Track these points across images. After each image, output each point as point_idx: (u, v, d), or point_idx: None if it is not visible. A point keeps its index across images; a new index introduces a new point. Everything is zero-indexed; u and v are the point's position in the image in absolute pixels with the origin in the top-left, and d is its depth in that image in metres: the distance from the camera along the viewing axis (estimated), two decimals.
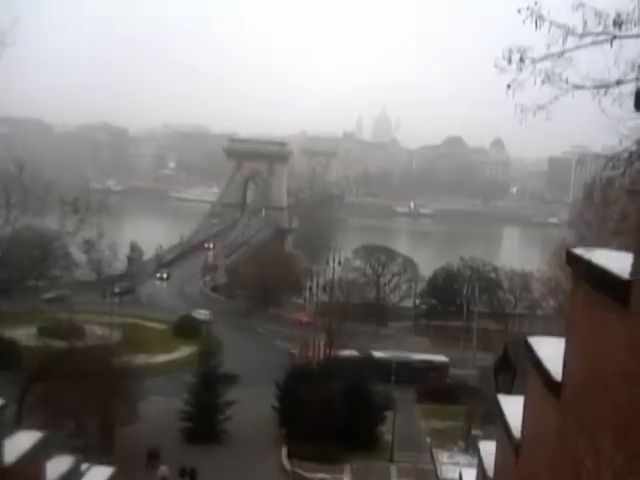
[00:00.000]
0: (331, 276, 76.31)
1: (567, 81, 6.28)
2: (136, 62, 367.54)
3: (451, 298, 73.69)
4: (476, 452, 8.38)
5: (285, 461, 38.70)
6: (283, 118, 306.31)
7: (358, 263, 78.85)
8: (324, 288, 73.35)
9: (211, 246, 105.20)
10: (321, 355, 49.22)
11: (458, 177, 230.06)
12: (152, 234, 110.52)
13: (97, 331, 55.32)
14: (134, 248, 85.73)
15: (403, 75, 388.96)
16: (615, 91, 6.23)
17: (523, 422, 5.86)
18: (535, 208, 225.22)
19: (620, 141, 6.87)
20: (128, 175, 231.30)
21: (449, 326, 69.81)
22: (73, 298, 57.36)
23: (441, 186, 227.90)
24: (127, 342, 51.12)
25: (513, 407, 6.50)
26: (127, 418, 36.92)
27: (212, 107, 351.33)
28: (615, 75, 6.07)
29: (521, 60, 6.41)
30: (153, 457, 35.77)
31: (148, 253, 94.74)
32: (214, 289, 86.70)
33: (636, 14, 5.90)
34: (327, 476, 37.09)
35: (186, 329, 62.37)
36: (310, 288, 76.20)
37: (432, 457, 39.42)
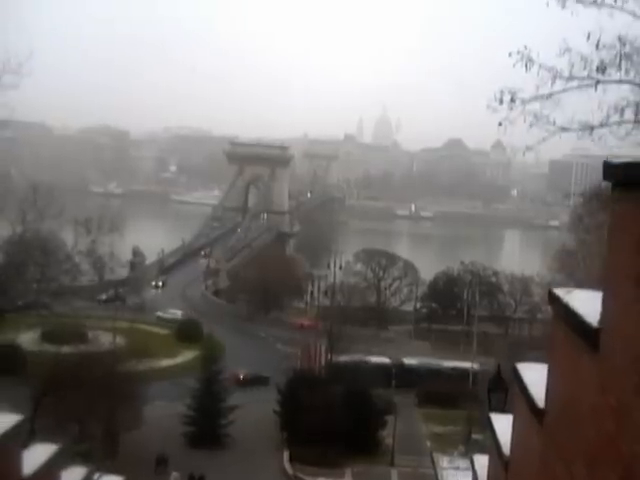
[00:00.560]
0: (332, 280, 76.70)
1: (554, 123, 6.68)
2: (137, 63, 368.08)
3: (451, 302, 74.10)
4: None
5: (287, 465, 39.14)
6: (284, 121, 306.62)
7: (359, 267, 79.30)
8: (325, 292, 73.82)
9: (208, 252, 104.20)
10: (322, 360, 49.63)
11: (459, 179, 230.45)
12: (153, 237, 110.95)
13: (100, 336, 55.77)
14: (136, 253, 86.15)
15: (403, 76, 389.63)
16: (600, 131, 6.63)
17: (511, 441, 6.29)
18: (536, 211, 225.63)
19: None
20: (129, 178, 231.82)
21: (449, 330, 70.21)
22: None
23: (442, 188, 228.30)
24: (130, 347, 51.59)
25: (504, 425, 6.92)
26: (131, 423, 37.30)
27: (212, 109, 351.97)
28: (599, 116, 6.48)
29: (512, 100, 6.82)
30: (162, 463, 36.17)
31: (150, 257, 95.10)
32: (216, 293, 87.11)
33: (618, 60, 6.29)
34: None
35: (188, 333, 62.78)
36: (311, 292, 76.64)
37: (432, 461, 39.78)
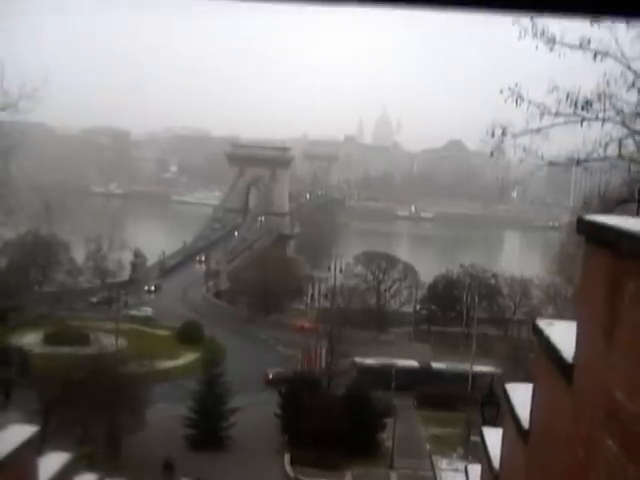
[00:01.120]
0: (332, 282, 77.14)
1: (542, 157, 7.12)
2: (137, 63, 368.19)
3: (451, 304, 74.58)
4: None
5: (288, 467, 39.60)
6: (284, 121, 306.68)
7: (359, 269, 79.76)
8: (325, 295, 74.30)
9: (203, 259, 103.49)
10: (323, 363, 50.05)
11: (459, 180, 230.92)
12: (154, 238, 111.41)
13: (102, 338, 56.18)
14: (137, 254, 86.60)
15: (404, 76, 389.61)
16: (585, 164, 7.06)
17: (500, 456, 6.72)
18: (535, 212, 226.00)
19: None
20: (130, 178, 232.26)
21: (449, 332, 70.70)
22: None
23: (442, 189, 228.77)
24: (132, 349, 52.07)
25: (495, 439, 7.35)
26: (134, 425, 37.68)
27: (213, 110, 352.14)
28: (586, 150, 6.91)
29: (503, 134, 7.25)
30: (168, 468, 36.52)
31: (151, 258, 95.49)
32: (216, 295, 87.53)
33: (602, 98, 6.73)
34: None
35: (190, 335, 63.22)
36: (312, 295, 77.10)
37: (432, 464, 40.23)
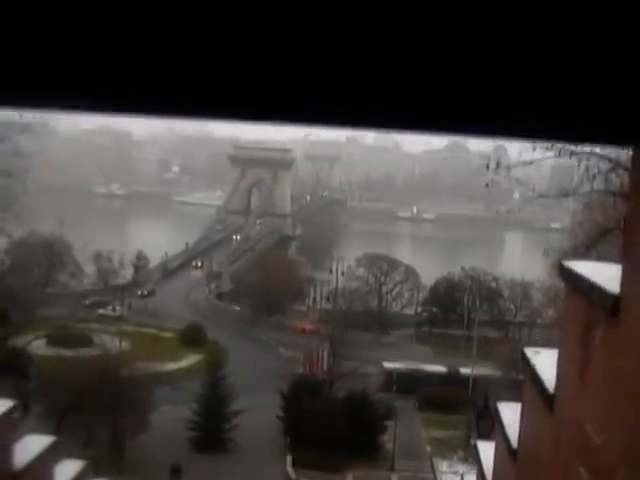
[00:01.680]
0: (334, 284, 77.50)
1: (534, 189, 7.54)
2: None
3: (452, 307, 74.96)
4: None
5: (290, 469, 40.04)
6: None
7: (361, 271, 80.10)
8: (327, 298, 74.67)
9: (199, 264, 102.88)
10: (325, 366, 50.44)
11: (460, 181, 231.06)
12: (156, 239, 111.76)
13: (105, 340, 56.54)
14: (140, 256, 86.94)
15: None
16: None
17: (493, 471, 7.14)
18: (537, 213, 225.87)
19: None
20: (132, 179, 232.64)
21: (450, 334, 71.06)
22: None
23: (443, 190, 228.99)
24: (135, 351, 52.49)
25: (489, 453, 7.77)
26: (138, 427, 38.07)
27: None
28: (576, 180, 7.30)
29: (497, 166, 7.65)
30: (176, 472, 37.03)
31: (154, 259, 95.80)
32: (219, 296, 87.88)
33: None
34: None
35: (192, 337, 63.64)
36: (313, 297, 77.48)
37: (432, 466, 40.64)
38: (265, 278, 75.75)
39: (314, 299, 77.87)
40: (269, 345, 67.71)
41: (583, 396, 3.80)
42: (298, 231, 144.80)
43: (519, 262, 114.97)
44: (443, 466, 40.23)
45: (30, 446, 9.67)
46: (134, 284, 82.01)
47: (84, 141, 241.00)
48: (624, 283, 3.24)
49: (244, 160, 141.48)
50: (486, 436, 9.54)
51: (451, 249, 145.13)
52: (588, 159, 6.88)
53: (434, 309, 76.44)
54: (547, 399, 4.54)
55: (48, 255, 69.22)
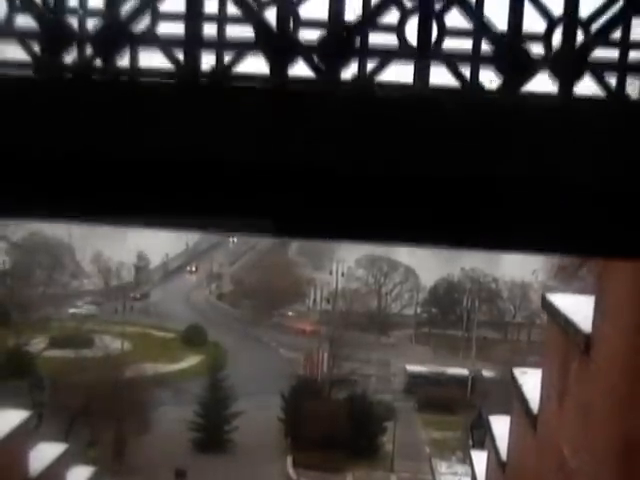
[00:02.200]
0: (334, 285, 77.71)
1: None
2: None
3: (451, 307, 75.28)
4: (483, 446, 10.01)
5: (291, 470, 40.42)
6: None
7: (360, 272, 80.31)
8: (327, 299, 74.93)
9: (194, 269, 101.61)
10: (325, 367, 50.76)
11: None
12: (156, 239, 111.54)
13: (107, 341, 56.82)
14: (141, 257, 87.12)
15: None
16: None
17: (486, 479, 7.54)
18: None
19: None
20: None
21: (449, 335, 71.33)
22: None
23: None
24: (137, 352, 52.79)
25: (482, 462, 8.18)
26: (140, 428, 38.38)
27: None
28: None
29: None
30: (180, 476, 37.42)
31: (153, 259, 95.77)
32: (219, 297, 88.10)
33: None
34: None
35: (193, 338, 63.90)
36: (314, 299, 77.72)
37: (431, 467, 41.00)
38: (265, 279, 75.95)
39: (314, 300, 78.14)
40: (269, 346, 67.95)
41: (561, 421, 4.16)
42: None
43: (518, 263, 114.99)
44: (442, 467, 40.58)
45: (43, 454, 10.10)
46: (135, 285, 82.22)
47: None
48: (595, 325, 3.60)
49: None
50: (480, 445, 9.93)
51: (451, 250, 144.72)
52: None
53: (434, 310, 76.75)
54: (531, 419, 4.93)
55: (49, 256, 69.38)
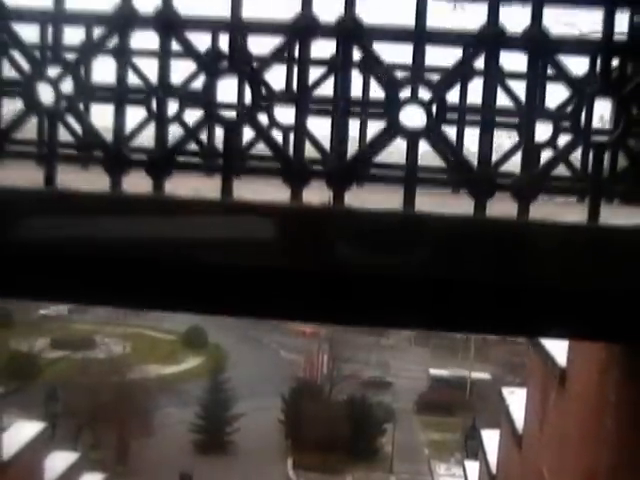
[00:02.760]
0: None
1: None
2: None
3: None
4: (477, 456, 10.40)
5: (291, 472, 40.80)
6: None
7: None
8: None
9: None
10: (325, 369, 51.05)
11: None
12: None
13: (108, 342, 57.05)
14: None
15: None
16: None
17: None
18: None
19: None
20: None
21: (448, 336, 71.36)
22: None
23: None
24: (137, 353, 53.04)
25: (475, 473, 8.58)
26: (143, 431, 38.66)
27: None
28: None
29: None
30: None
31: None
32: None
33: None
34: None
35: (194, 340, 64.09)
36: None
37: (430, 468, 41.36)
38: None
39: None
40: (270, 348, 68.12)
41: (541, 444, 4.55)
42: None
43: None
44: (441, 469, 40.94)
45: (57, 463, 10.51)
46: None
47: None
48: (569, 360, 3.98)
49: None
50: (474, 456, 10.33)
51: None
52: None
53: None
54: (517, 438, 5.33)
55: None
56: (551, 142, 2.42)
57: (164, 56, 2.44)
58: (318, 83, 2.43)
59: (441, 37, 2.44)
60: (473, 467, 8.74)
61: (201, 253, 2.32)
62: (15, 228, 2.48)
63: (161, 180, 2.47)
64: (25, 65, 2.51)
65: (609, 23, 2.37)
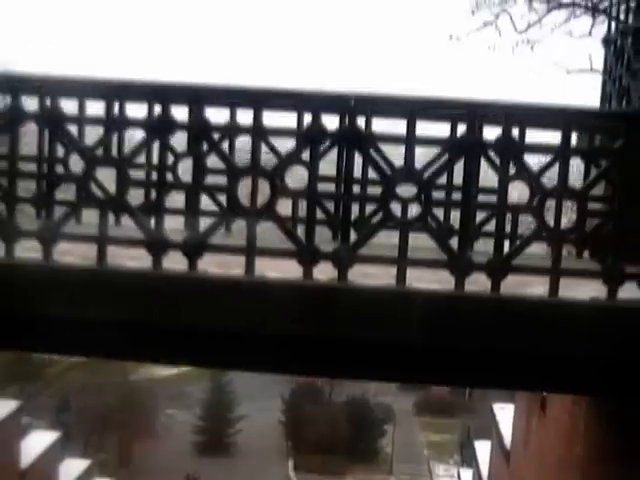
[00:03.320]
0: None
1: None
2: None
3: None
4: (472, 464, 10.82)
5: (292, 473, 41.19)
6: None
7: None
8: None
9: None
10: None
11: None
12: None
13: None
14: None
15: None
16: None
17: None
18: None
19: None
20: None
21: None
22: None
23: None
24: None
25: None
26: (145, 432, 38.97)
27: None
28: None
29: None
30: None
31: None
32: None
33: None
34: None
35: None
36: None
37: (429, 469, 41.75)
38: None
39: None
40: None
41: (525, 462, 5.00)
42: None
43: None
44: (440, 469, 41.33)
45: (70, 469, 10.97)
46: None
47: None
48: None
49: None
50: (469, 464, 10.78)
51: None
52: None
53: None
54: (505, 453, 5.78)
55: None
56: (514, 232, 2.97)
57: None
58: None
59: (428, 143, 2.99)
60: (468, 475, 9.22)
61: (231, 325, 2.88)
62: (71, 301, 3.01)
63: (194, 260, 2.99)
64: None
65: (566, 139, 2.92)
